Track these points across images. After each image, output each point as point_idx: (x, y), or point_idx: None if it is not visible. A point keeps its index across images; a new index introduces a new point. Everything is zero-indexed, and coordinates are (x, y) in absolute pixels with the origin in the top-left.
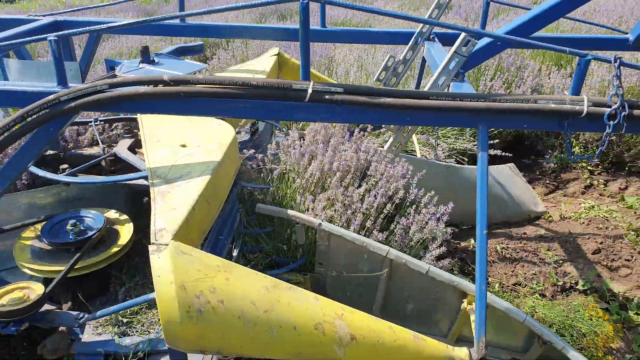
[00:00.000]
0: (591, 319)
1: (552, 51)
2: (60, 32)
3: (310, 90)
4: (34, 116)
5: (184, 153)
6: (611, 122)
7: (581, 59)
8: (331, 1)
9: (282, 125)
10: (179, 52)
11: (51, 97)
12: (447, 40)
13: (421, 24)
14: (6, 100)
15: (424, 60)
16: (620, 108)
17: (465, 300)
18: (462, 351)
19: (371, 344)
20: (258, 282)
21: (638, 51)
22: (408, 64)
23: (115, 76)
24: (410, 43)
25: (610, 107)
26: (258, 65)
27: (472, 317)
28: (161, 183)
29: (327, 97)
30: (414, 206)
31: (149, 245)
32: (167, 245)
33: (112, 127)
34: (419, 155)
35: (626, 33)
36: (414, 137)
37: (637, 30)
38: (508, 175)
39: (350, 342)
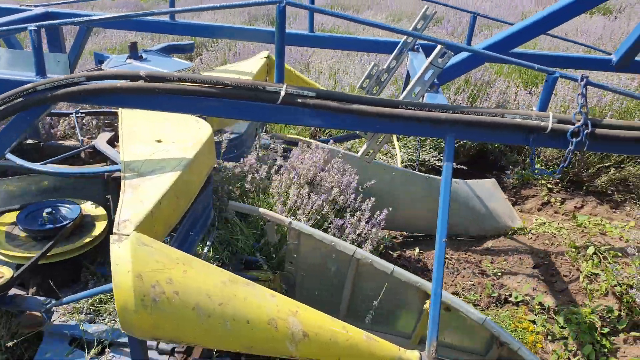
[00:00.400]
0: (515, 330)
1: (523, 67)
2: (40, 23)
3: (282, 93)
4: (11, 103)
5: (158, 148)
6: (574, 140)
7: (549, 76)
8: (308, 6)
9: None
10: (169, 50)
11: (27, 85)
12: (431, 51)
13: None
14: None
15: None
16: (584, 126)
17: (427, 301)
18: (413, 354)
19: (323, 341)
20: (216, 277)
21: (621, 72)
22: (391, 73)
23: (100, 70)
24: (394, 52)
25: (574, 124)
26: (246, 67)
27: None
28: (133, 176)
29: (299, 100)
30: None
31: (111, 235)
32: (128, 235)
33: (96, 120)
34: (399, 164)
35: (609, 54)
36: (397, 147)
37: (621, 52)
38: (488, 190)
39: (303, 338)
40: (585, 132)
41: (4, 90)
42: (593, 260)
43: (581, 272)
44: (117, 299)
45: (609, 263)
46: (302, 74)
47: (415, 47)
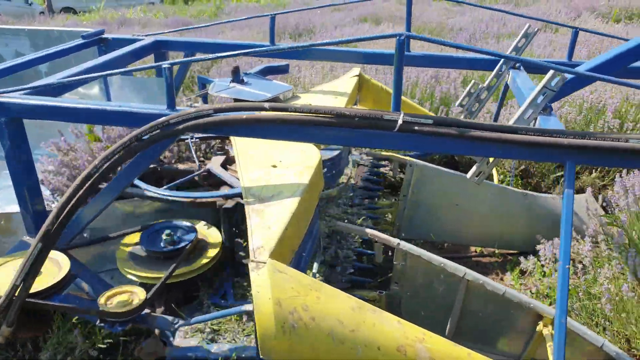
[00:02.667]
0: None
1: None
2: (174, 61)
3: (400, 122)
4: (146, 136)
5: (275, 173)
6: None
7: None
8: (426, 38)
9: None
10: (266, 72)
11: (162, 119)
12: (532, 68)
13: (510, 51)
14: (119, 120)
15: (506, 88)
16: None
17: (541, 323)
18: None
19: None
20: (345, 303)
21: None
22: (491, 91)
23: (206, 95)
24: (495, 71)
25: None
26: (339, 86)
27: (549, 342)
28: (255, 202)
29: (416, 128)
30: None
31: (249, 262)
32: (265, 262)
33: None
34: (496, 182)
35: None
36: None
37: None
38: (581, 207)
39: None
40: None
41: (137, 123)
42: None
43: None
44: (259, 325)
45: None
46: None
47: (517, 65)
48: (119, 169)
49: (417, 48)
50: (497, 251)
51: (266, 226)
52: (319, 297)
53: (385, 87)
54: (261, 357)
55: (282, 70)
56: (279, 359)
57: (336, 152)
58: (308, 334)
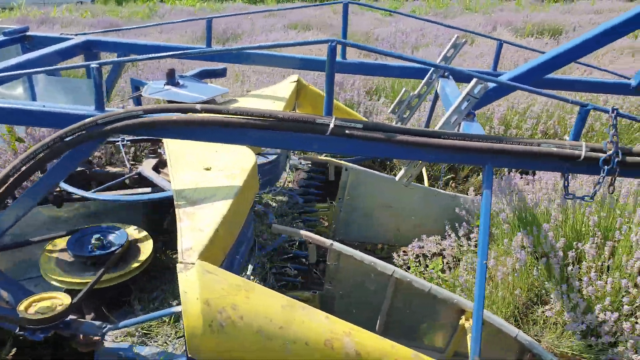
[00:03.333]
0: None
1: (555, 99)
2: (102, 61)
3: (332, 125)
4: (72, 137)
5: (208, 176)
6: (606, 167)
7: (582, 108)
8: (356, 44)
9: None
10: (203, 75)
11: (89, 120)
12: (460, 77)
13: (439, 60)
14: (44, 121)
15: (436, 96)
16: (615, 154)
17: (463, 317)
18: None
19: None
20: (275, 301)
21: (639, 96)
22: (422, 98)
23: (140, 97)
24: (425, 79)
25: (605, 152)
26: (278, 91)
27: (469, 334)
28: (186, 204)
29: (347, 131)
30: None
31: (177, 264)
32: (193, 264)
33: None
34: (426, 184)
35: (628, 78)
36: (423, 168)
37: (639, 77)
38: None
39: (356, 358)
40: (616, 160)
41: (64, 123)
42: None
43: None
44: (187, 325)
45: None
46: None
47: (446, 74)
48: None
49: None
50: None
51: (197, 228)
52: (249, 296)
53: (323, 93)
54: (189, 355)
55: (219, 74)
56: (207, 358)
57: (273, 157)
58: (237, 332)
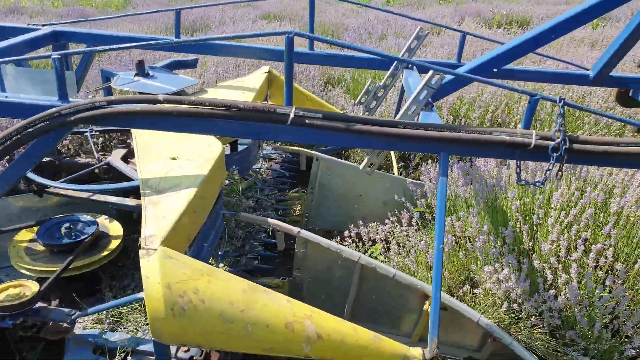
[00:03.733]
0: None
1: (506, 89)
2: (64, 51)
3: (292, 115)
4: (35, 127)
5: (174, 166)
6: (554, 154)
7: (531, 97)
8: (313, 36)
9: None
10: (174, 66)
11: (52, 110)
12: (425, 69)
13: (403, 52)
14: (7, 112)
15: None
16: (562, 142)
17: (427, 302)
18: (416, 350)
19: (336, 342)
20: (237, 285)
21: (597, 86)
22: (388, 89)
23: (110, 88)
24: (390, 70)
25: (554, 140)
26: (249, 82)
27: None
28: (152, 193)
29: (307, 121)
30: None
31: (140, 250)
32: (155, 250)
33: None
34: (396, 174)
35: (587, 69)
36: (393, 157)
37: (597, 68)
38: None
39: (317, 340)
40: (564, 147)
41: (23, 113)
42: None
43: None
44: (149, 308)
45: None
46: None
47: (409, 65)
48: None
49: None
50: None
51: (160, 216)
52: (210, 280)
53: (296, 85)
54: (153, 338)
55: (190, 65)
56: (170, 340)
57: (244, 146)
58: (198, 316)
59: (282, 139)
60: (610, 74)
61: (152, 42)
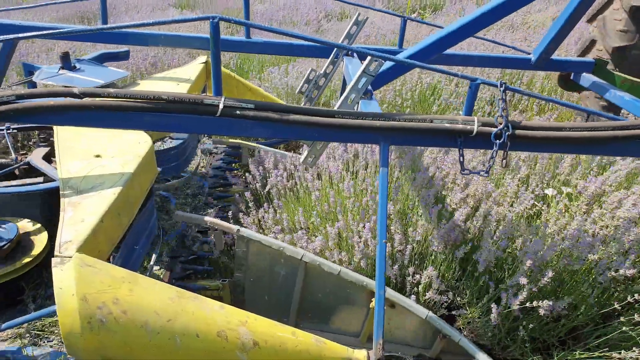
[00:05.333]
0: None
1: (447, 74)
2: None
3: (221, 106)
4: None
5: (98, 164)
6: (497, 141)
7: (472, 82)
8: (240, 21)
9: None
10: (104, 58)
11: None
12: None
13: (342, 38)
14: None
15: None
16: (505, 128)
17: (373, 300)
18: (361, 353)
19: (274, 348)
20: (163, 293)
21: (538, 70)
22: (329, 77)
23: (32, 82)
24: (330, 57)
25: (496, 127)
26: (184, 73)
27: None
28: (72, 194)
29: (237, 112)
30: None
31: (52, 258)
32: (70, 257)
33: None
34: None
35: (529, 54)
36: None
37: (538, 52)
38: None
39: (253, 347)
40: (507, 133)
41: None
42: None
43: None
44: (62, 323)
45: None
46: (242, 78)
47: (350, 52)
48: None
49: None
50: None
51: (79, 219)
52: (132, 289)
53: (235, 75)
54: (68, 356)
55: (121, 57)
56: (87, 357)
57: (180, 141)
58: (119, 328)
59: (212, 132)
60: (552, 57)
61: (62, 30)
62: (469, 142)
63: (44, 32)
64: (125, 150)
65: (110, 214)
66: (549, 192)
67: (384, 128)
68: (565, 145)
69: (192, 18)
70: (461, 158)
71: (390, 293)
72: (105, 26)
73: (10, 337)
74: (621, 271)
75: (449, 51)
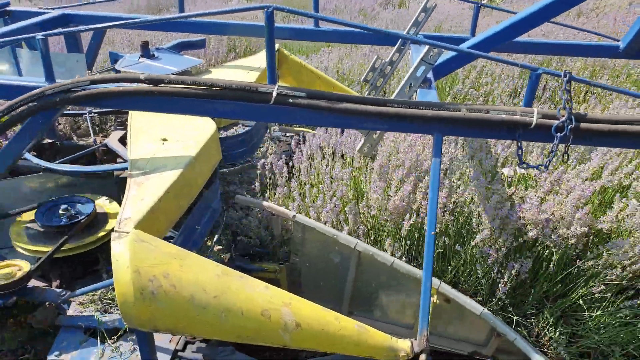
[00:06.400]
0: None
1: (507, 64)
2: (48, 32)
3: (274, 94)
4: (21, 109)
5: (164, 147)
6: (558, 134)
7: (533, 72)
8: (297, 11)
9: None
10: (181, 47)
11: (36, 91)
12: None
13: (409, 26)
14: None
15: None
16: (568, 121)
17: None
18: (404, 343)
19: (316, 331)
20: (210, 270)
21: (629, 59)
22: (394, 65)
23: (115, 70)
24: (397, 46)
25: (558, 119)
26: (255, 62)
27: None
28: (138, 174)
29: (290, 100)
30: None
31: (112, 233)
32: (128, 233)
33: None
34: None
35: (617, 40)
36: None
37: (628, 38)
38: None
39: (296, 328)
40: (569, 127)
41: (14, 95)
42: None
43: None
44: (118, 293)
45: None
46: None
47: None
48: None
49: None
50: None
51: (140, 198)
52: (182, 265)
53: (306, 64)
54: (124, 323)
55: (198, 45)
56: (140, 325)
57: (248, 128)
58: (168, 301)
59: (266, 119)
60: None
61: (128, 21)
62: (527, 134)
63: (123, 22)
64: (190, 135)
65: (169, 194)
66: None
67: (438, 118)
68: (635, 141)
69: (248, 7)
70: (519, 151)
71: (445, 288)
72: (163, 17)
73: (85, 302)
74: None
75: (524, 39)
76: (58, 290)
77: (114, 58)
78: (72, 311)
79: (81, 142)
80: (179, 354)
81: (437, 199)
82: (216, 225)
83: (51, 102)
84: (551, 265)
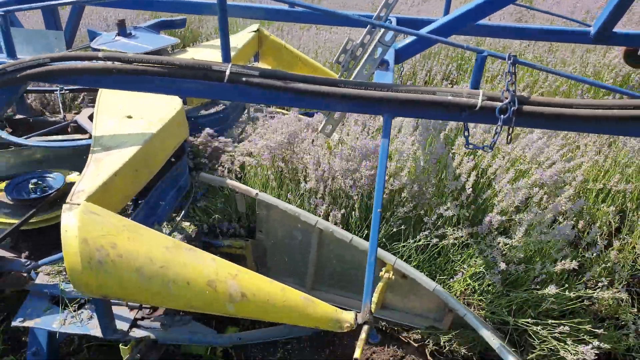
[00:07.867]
0: None
1: (454, 47)
2: (7, 8)
3: (228, 72)
4: None
5: (127, 124)
6: (502, 116)
7: (479, 55)
8: None
9: None
10: (161, 26)
11: None
12: (406, 25)
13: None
14: None
15: None
16: (511, 103)
17: (383, 269)
18: (349, 314)
19: (261, 301)
20: (160, 243)
21: (599, 44)
22: (366, 47)
23: (92, 48)
24: (367, 27)
25: (502, 101)
26: (233, 41)
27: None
28: (100, 151)
29: (243, 79)
30: None
31: (64, 204)
32: (78, 205)
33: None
34: None
35: (589, 26)
36: None
37: (598, 24)
38: None
39: (241, 299)
40: (512, 109)
41: None
42: None
43: None
44: (67, 261)
45: None
46: (295, 49)
47: (387, 21)
48: None
49: None
50: None
51: (96, 173)
52: (131, 237)
53: (287, 45)
54: (74, 289)
55: (178, 25)
56: (91, 293)
57: (220, 107)
58: (115, 270)
59: (220, 97)
60: (614, 30)
61: None
62: (473, 116)
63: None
64: (154, 112)
65: (126, 170)
66: None
67: (387, 99)
68: (575, 123)
69: None
70: (466, 132)
71: (402, 264)
72: None
73: (52, 273)
74: None
75: (492, 22)
76: (23, 260)
77: (93, 36)
78: (38, 280)
79: (53, 119)
80: (138, 322)
81: (384, 180)
82: (185, 199)
83: (13, 79)
84: None
